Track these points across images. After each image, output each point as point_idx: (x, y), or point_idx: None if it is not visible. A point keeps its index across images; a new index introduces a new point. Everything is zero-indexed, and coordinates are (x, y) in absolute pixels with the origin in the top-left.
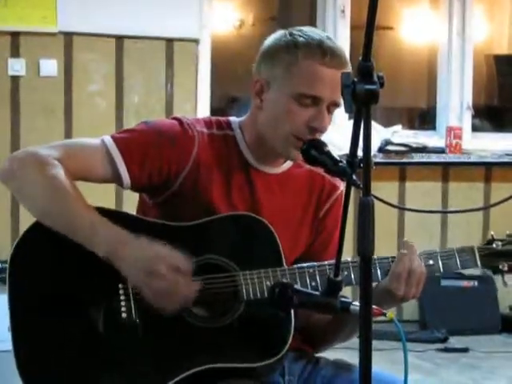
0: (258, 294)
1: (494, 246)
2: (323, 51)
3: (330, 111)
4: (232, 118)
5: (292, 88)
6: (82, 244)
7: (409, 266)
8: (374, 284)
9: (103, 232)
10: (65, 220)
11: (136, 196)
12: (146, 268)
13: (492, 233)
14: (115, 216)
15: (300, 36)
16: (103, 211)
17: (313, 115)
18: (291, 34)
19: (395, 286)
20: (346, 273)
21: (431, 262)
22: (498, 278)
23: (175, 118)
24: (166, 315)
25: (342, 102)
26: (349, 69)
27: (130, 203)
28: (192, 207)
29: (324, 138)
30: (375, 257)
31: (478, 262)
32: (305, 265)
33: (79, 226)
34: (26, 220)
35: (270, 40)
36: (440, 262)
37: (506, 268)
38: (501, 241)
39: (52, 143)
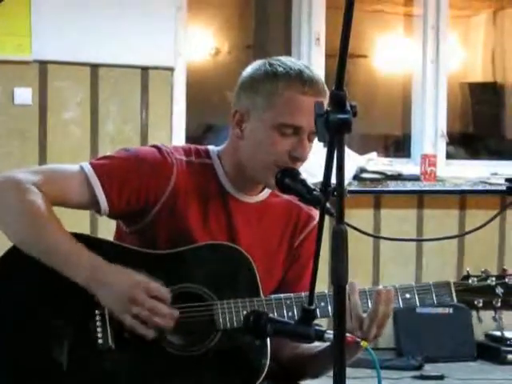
0: (235, 324)
1: (470, 281)
2: (303, 81)
3: (310, 139)
4: (210, 147)
5: (273, 118)
6: (58, 271)
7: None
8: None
9: (80, 259)
10: (42, 247)
11: (111, 223)
12: (126, 294)
13: (468, 269)
14: (92, 242)
15: (279, 66)
16: (80, 237)
17: (294, 144)
18: (270, 65)
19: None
20: (323, 304)
21: (408, 295)
22: (473, 312)
23: (154, 146)
24: (146, 339)
25: None
26: (327, 96)
27: (105, 230)
28: (169, 235)
29: None
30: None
31: (454, 298)
32: (282, 295)
33: (56, 254)
34: (2, 244)
35: (248, 70)
36: (416, 297)
37: (480, 304)
38: (476, 277)
39: (31, 168)
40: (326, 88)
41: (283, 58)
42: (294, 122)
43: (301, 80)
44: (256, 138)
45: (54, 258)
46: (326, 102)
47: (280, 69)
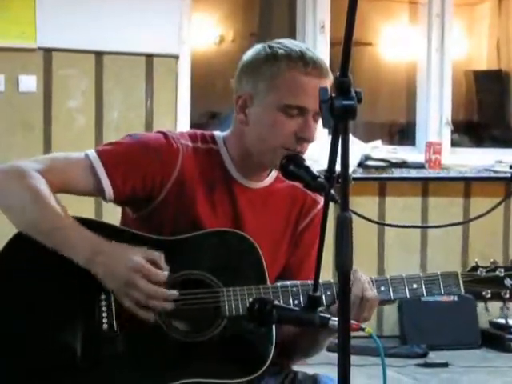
0: (240, 311)
1: (478, 272)
2: (305, 62)
3: (315, 120)
4: (216, 133)
5: (277, 100)
6: (59, 252)
7: (360, 294)
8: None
9: (81, 239)
10: (43, 228)
11: (116, 210)
12: (124, 279)
13: (476, 260)
14: (96, 227)
15: (280, 48)
16: (85, 222)
17: (300, 125)
18: (270, 47)
19: None
20: (329, 293)
21: (415, 285)
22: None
23: (160, 132)
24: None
25: None
26: (331, 78)
27: (110, 217)
28: (176, 221)
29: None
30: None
31: (462, 289)
32: (288, 283)
33: (57, 234)
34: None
35: (248, 55)
36: (424, 287)
37: (489, 295)
38: (484, 268)
39: (36, 157)
40: (329, 69)
41: (284, 40)
42: (298, 102)
43: (303, 60)
44: (261, 121)
45: (55, 238)
46: (329, 83)
47: (281, 51)
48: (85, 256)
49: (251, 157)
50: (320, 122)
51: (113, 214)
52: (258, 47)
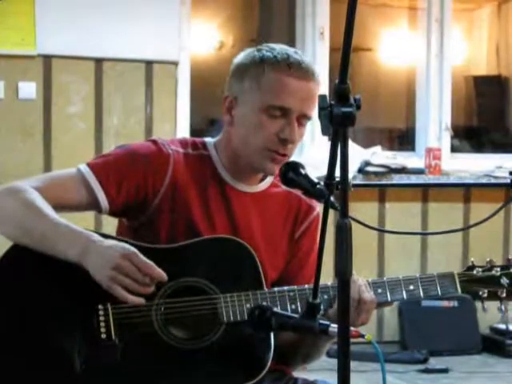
0: (238, 317)
1: (475, 272)
2: (290, 63)
3: (301, 124)
4: (207, 139)
5: (260, 100)
6: (52, 253)
7: (357, 296)
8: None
9: (71, 236)
10: (36, 234)
11: (115, 219)
12: (110, 262)
13: (472, 259)
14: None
15: (267, 51)
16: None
17: (282, 126)
18: (259, 50)
19: None
20: (326, 296)
21: (412, 287)
22: (478, 304)
23: (150, 140)
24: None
25: (312, 114)
26: (317, 82)
27: (110, 226)
28: (172, 226)
29: (303, 158)
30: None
31: (458, 289)
32: (285, 288)
33: (51, 235)
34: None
35: (238, 58)
36: (421, 288)
37: (485, 294)
38: (481, 267)
39: (34, 177)
40: (316, 73)
41: (274, 45)
42: (281, 103)
43: (287, 62)
44: (245, 122)
45: (47, 241)
46: (317, 87)
47: (268, 53)
48: (77, 250)
49: (240, 159)
50: (308, 125)
51: (113, 224)
52: (248, 51)
